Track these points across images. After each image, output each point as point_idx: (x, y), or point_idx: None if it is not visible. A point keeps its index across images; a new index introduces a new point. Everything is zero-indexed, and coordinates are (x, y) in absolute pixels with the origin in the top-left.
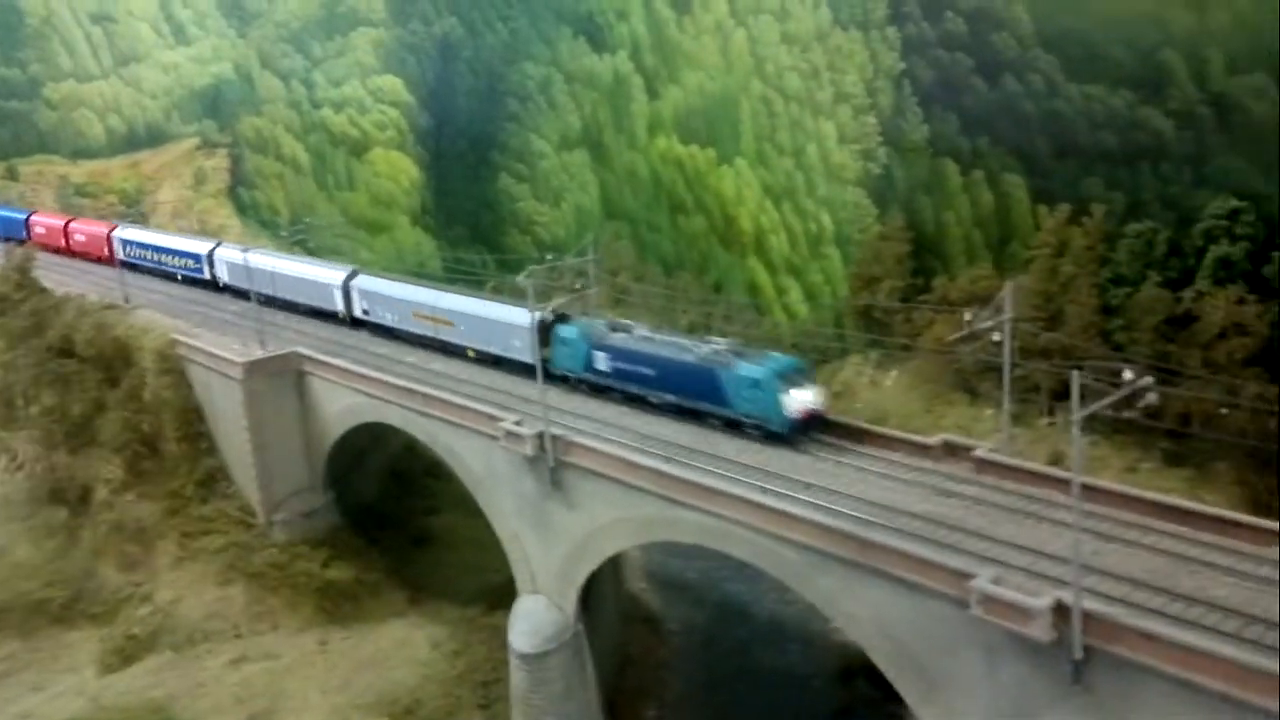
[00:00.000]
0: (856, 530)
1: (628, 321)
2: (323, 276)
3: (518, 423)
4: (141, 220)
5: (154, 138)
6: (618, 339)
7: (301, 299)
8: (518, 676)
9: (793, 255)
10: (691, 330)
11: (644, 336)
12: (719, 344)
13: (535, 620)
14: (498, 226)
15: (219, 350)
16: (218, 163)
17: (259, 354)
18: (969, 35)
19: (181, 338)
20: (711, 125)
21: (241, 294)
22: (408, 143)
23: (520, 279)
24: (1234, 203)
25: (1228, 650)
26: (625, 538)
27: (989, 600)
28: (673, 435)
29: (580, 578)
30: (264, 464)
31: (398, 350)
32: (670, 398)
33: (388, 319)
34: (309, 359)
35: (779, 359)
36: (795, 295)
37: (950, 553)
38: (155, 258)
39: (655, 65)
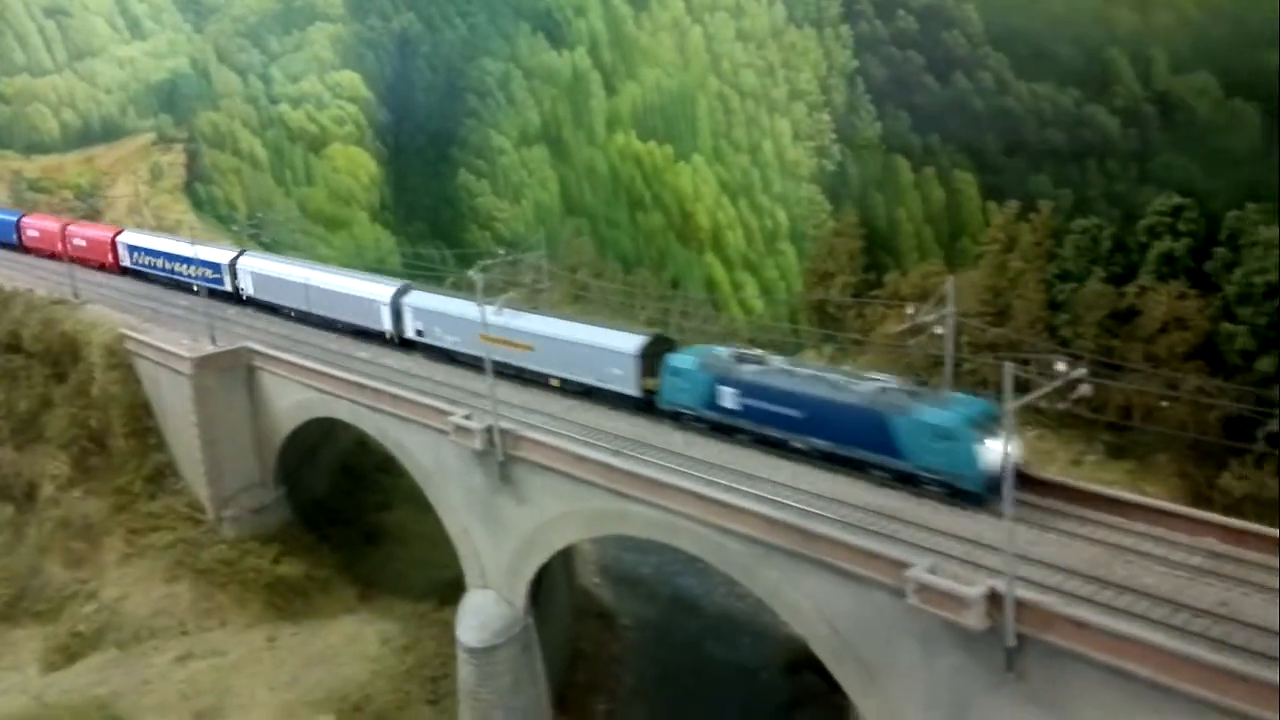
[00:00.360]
0: (798, 521)
1: (756, 351)
2: (368, 291)
3: (467, 417)
4: (95, 216)
5: (109, 133)
6: (750, 372)
7: (340, 316)
8: (465, 671)
9: (749, 251)
10: (650, 324)
11: (783, 370)
12: (884, 381)
13: (484, 615)
14: (457, 222)
15: (168, 345)
16: (174, 158)
17: (208, 349)
18: (920, 33)
19: (130, 332)
20: (669, 122)
21: (268, 308)
22: (366, 138)
23: (472, 273)
24: (1177, 199)
25: (1156, 637)
26: (574, 531)
27: (925, 589)
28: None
29: (529, 572)
30: (213, 460)
31: (451, 374)
32: (821, 444)
33: (447, 341)
34: (259, 354)
35: (968, 401)
36: (751, 291)
37: (889, 543)
38: (167, 266)
39: (613, 62)
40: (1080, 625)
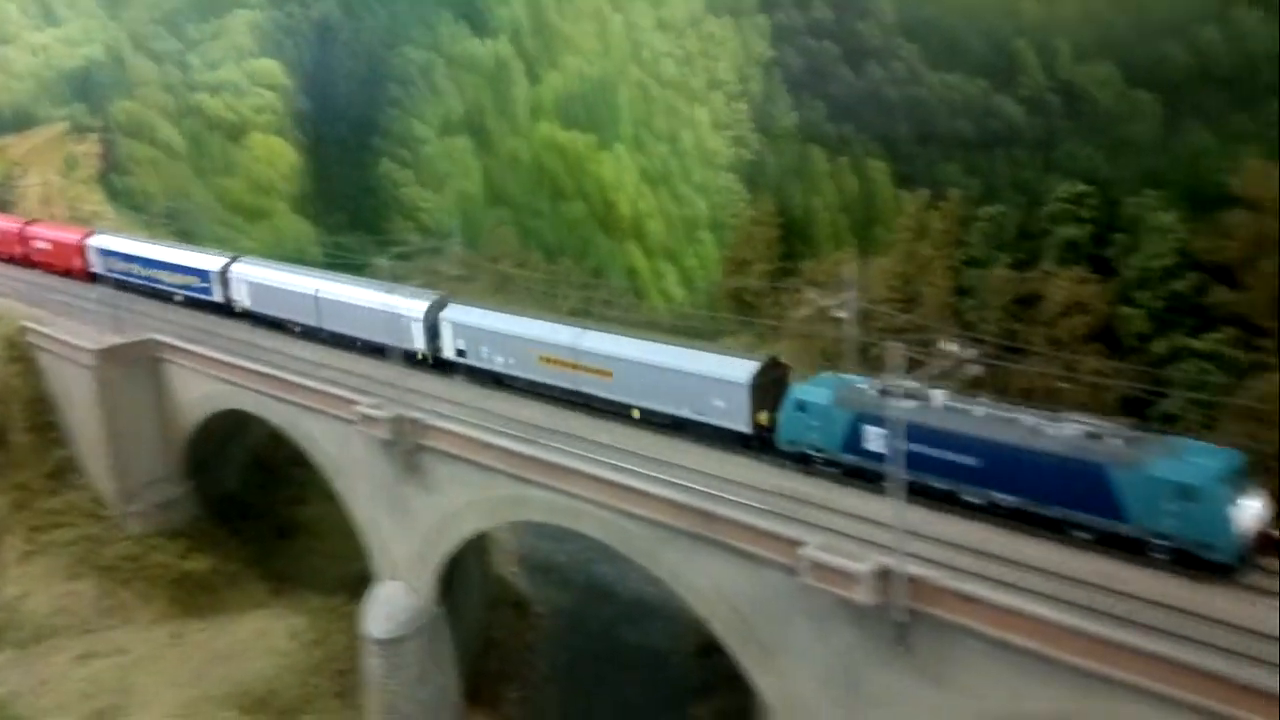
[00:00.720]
0: (698, 503)
1: (909, 382)
2: (396, 305)
3: (374, 406)
4: (7, 208)
5: (21, 121)
6: (903, 408)
7: (359, 333)
8: (372, 662)
9: (669, 240)
10: (574, 315)
11: (951, 407)
12: (1091, 423)
13: (391, 606)
14: (380, 212)
15: (70, 338)
16: (89, 148)
17: (112, 341)
18: (835, 23)
19: (32, 325)
20: (591, 110)
21: (267, 323)
22: (286, 127)
23: (383, 261)
24: (1080, 187)
25: (1040, 610)
26: (481, 519)
27: (817, 567)
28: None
29: (438, 561)
30: (117, 454)
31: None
32: (1008, 500)
33: (497, 363)
34: (165, 345)
35: (1206, 450)
36: (672, 279)
37: (784, 522)
38: (146, 273)
39: (535, 50)
40: (967, 599)
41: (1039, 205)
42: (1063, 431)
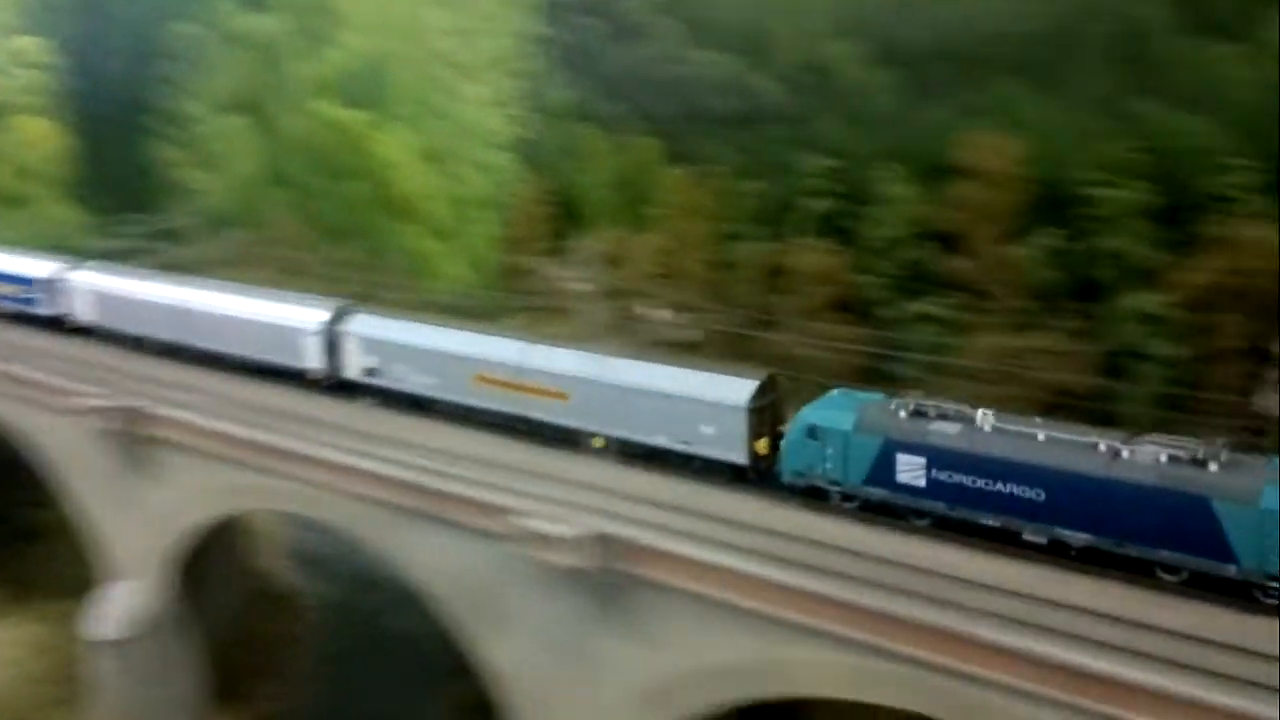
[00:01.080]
0: (423, 480)
1: (945, 402)
2: (284, 316)
3: (93, 396)
4: None
5: None
6: (947, 434)
7: (239, 350)
8: (97, 665)
9: (451, 219)
10: (364, 300)
11: (1002, 430)
12: (1182, 445)
13: (117, 606)
14: (154, 196)
15: None
16: None
17: None
18: (603, 1)
19: None
20: (370, 88)
21: (114, 339)
22: (53, 108)
23: (111, 244)
24: (829, 162)
25: (741, 565)
26: (211, 509)
27: (531, 535)
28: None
29: (171, 556)
30: None
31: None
32: (1081, 538)
33: (416, 384)
34: None
35: None
36: (454, 259)
37: (503, 493)
38: None
39: (314, 26)
40: (677, 559)
41: (794, 180)
42: (1148, 456)
